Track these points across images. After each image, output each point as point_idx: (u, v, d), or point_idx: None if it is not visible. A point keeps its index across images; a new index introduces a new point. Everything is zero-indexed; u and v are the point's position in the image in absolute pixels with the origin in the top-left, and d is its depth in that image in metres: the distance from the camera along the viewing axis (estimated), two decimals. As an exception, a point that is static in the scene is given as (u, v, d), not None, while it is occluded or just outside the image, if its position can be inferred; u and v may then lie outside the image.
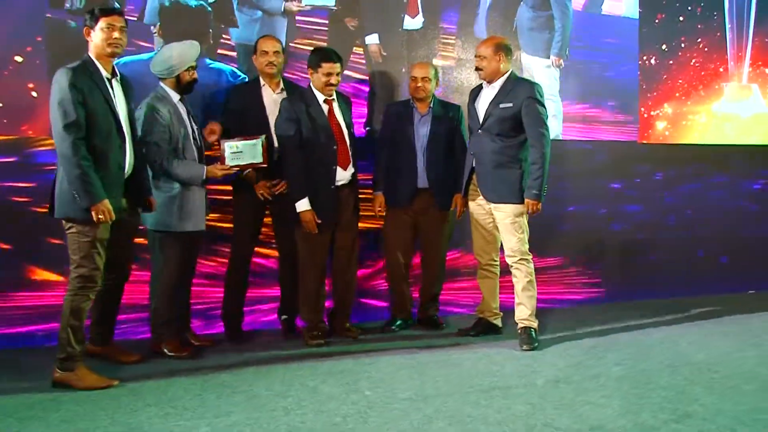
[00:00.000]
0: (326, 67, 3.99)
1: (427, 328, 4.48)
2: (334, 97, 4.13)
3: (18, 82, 3.95)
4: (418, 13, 4.87)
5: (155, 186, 3.71)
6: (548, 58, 5.22)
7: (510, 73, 4.10)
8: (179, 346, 3.86)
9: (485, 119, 4.05)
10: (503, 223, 4.06)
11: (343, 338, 4.26)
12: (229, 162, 3.86)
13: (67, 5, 4.03)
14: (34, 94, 3.97)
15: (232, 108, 4.09)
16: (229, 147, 3.86)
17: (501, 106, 4.00)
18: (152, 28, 4.23)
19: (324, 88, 4.04)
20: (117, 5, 4.08)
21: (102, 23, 3.28)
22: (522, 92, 3.99)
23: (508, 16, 5.12)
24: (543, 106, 4.03)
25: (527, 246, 4.08)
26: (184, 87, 3.81)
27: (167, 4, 4.27)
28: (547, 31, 5.21)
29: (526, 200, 3.98)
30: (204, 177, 3.77)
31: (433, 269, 4.48)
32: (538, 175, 3.94)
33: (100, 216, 3.23)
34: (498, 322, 4.34)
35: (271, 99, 4.12)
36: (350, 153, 4.13)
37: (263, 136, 3.90)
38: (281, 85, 4.17)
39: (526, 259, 4.08)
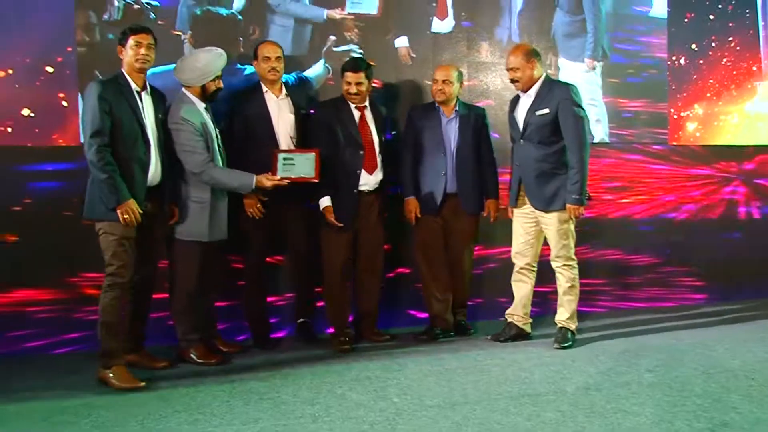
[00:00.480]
0: (346, 76, 4.07)
1: (456, 334, 4.40)
2: (367, 104, 4.16)
3: (49, 92, 4.02)
4: (447, 15, 4.82)
5: (186, 196, 3.74)
6: (579, 62, 5.13)
7: (544, 77, 4.08)
8: (207, 353, 3.88)
9: (525, 128, 4.04)
10: (550, 230, 4.07)
11: (371, 343, 4.25)
12: (280, 173, 3.84)
13: (105, 16, 4.10)
14: (64, 103, 4.04)
15: (237, 113, 4.04)
16: (282, 157, 3.86)
17: (538, 113, 3.99)
18: (182, 36, 4.25)
19: (346, 96, 4.10)
20: (153, 15, 4.15)
21: (131, 41, 3.50)
22: (557, 95, 3.98)
23: (538, 19, 5.04)
24: (579, 107, 4.00)
25: (573, 251, 4.12)
26: (209, 96, 3.82)
27: (198, 12, 4.30)
28: (584, 35, 5.13)
29: (568, 206, 3.98)
30: (253, 186, 3.77)
31: (462, 275, 4.41)
32: (577, 179, 3.94)
33: (125, 216, 3.39)
34: (527, 327, 4.31)
35: (275, 103, 4.09)
36: (378, 160, 4.15)
37: (317, 151, 3.90)
38: (284, 89, 4.14)
39: (570, 265, 4.11)
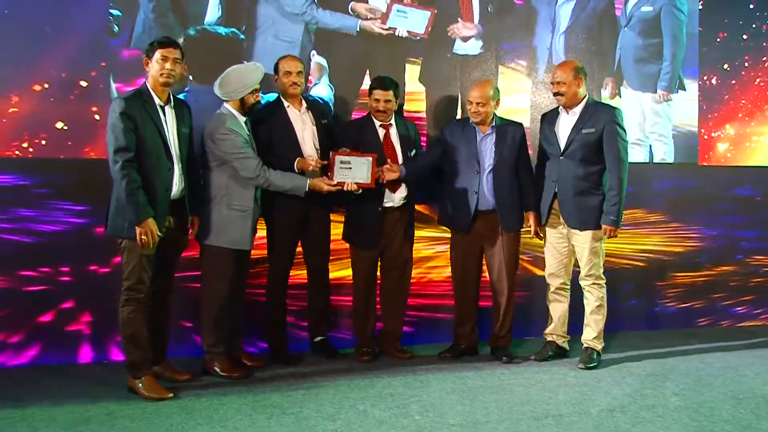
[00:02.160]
0: (374, 93, 4.13)
1: (498, 357, 4.24)
2: (392, 122, 4.20)
3: (82, 106, 4.09)
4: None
5: (228, 204, 3.78)
6: (647, 92, 5.00)
7: (588, 98, 4.09)
8: (230, 366, 3.89)
9: (568, 146, 4.04)
10: (582, 248, 4.08)
11: (394, 360, 4.23)
12: (337, 177, 3.88)
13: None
14: (96, 117, 4.10)
15: (260, 127, 3.99)
16: (339, 160, 3.89)
17: (584, 131, 4.01)
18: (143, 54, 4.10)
19: (374, 114, 4.15)
20: (117, 28, 4.11)
21: (158, 54, 3.49)
22: (603, 117, 4.01)
23: (587, 38, 4.91)
24: (624, 130, 4.06)
25: (602, 270, 4.12)
26: (247, 109, 3.85)
27: (192, 33, 4.24)
28: (658, 62, 4.96)
29: (603, 226, 4.02)
30: (307, 188, 3.83)
31: (506, 296, 4.23)
32: (616, 201, 3.98)
33: (143, 236, 3.41)
34: (566, 345, 4.31)
35: (298, 117, 4.10)
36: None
37: (374, 156, 3.95)
38: (304, 103, 4.14)
39: (599, 284, 4.13)
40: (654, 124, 5.04)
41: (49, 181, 4.05)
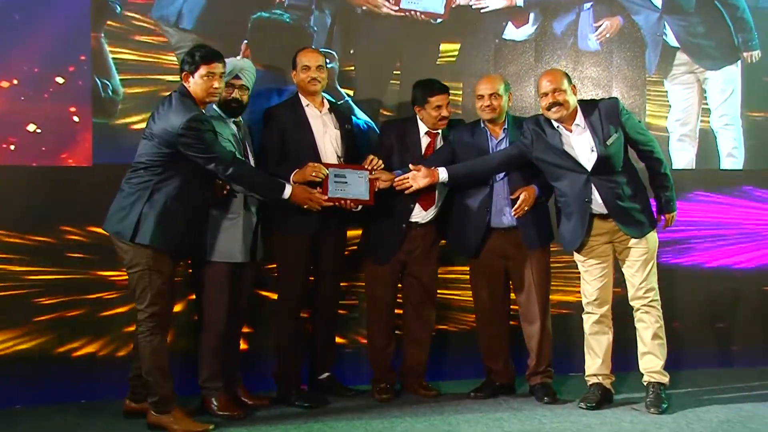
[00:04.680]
0: (434, 100, 3.91)
1: (539, 398, 4.02)
2: (439, 131, 4.04)
3: (59, 106, 3.96)
4: (527, 22, 4.62)
5: (217, 216, 3.68)
6: (733, 64, 4.85)
7: (579, 103, 3.80)
8: (229, 404, 3.73)
9: (597, 164, 3.73)
10: (639, 260, 3.82)
11: (418, 398, 4.05)
12: (332, 193, 3.72)
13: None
14: (75, 119, 3.97)
15: (272, 128, 3.88)
16: (333, 173, 3.74)
17: (609, 142, 3.71)
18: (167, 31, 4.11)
19: (437, 123, 3.97)
20: (119, 9, 4.02)
21: (202, 70, 3.38)
22: (611, 112, 3.74)
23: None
24: (630, 111, 3.91)
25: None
26: (221, 106, 3.74)
27: (266, 15, 4.24)
28: (720, 30, 4.83)
29: (667, 216, 3.91)
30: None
31: (539, 323, 4.01)
32: (670, 183, 3.90)
33: (308, 202, 3.61)
34: (612, 387, 3.97)
35: (319, 119, 3.91)
36: (437, 192, 3.97)
37: (370, 170, 3.83)
38: (326, 103, 3.96)
39: (657, 299, 3.87)
40: (725, 106, 4.87)
41: (20, 192, 3.91)
